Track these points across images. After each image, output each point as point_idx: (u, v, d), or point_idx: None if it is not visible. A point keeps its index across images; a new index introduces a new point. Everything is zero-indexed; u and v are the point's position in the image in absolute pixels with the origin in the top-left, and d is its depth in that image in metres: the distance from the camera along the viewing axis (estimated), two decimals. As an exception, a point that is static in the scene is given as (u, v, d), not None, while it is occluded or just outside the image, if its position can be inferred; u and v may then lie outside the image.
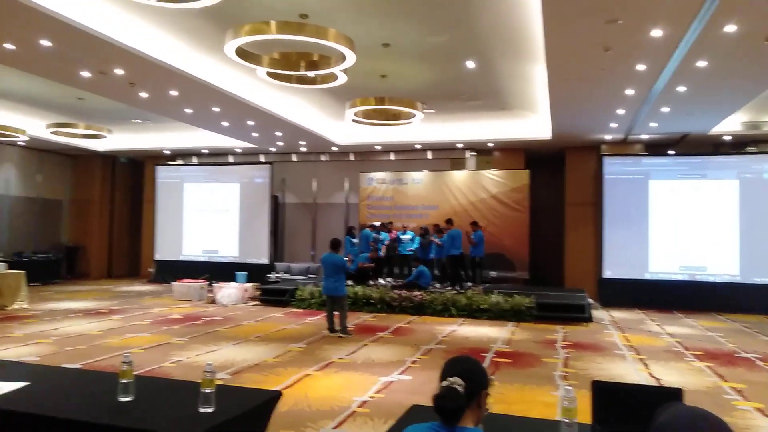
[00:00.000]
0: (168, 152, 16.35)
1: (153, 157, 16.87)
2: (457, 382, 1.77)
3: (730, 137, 12.12)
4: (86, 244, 17.07)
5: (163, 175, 16.07)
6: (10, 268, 10.77)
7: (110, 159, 17.33)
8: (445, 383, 1.80)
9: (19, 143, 14.60)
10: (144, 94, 9.91)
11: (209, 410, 2.51)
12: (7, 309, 10.09)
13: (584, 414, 2.31)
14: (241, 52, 6.93)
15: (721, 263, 11.74)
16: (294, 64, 7.59)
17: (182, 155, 16.68)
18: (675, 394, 2.18)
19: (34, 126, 12.89)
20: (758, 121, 11.50)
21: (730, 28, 6.22)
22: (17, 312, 9.94)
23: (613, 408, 2.28)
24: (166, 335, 7.99)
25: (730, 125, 11.40)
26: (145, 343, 7.44)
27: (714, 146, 12.73)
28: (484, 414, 1.86)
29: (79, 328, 8.39)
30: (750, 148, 12.31)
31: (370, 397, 5.15)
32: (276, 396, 2.93)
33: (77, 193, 17.29)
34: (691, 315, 10.91)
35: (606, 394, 2.31)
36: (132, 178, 18.06)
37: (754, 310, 11.08)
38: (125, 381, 2.67)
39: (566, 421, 2.25)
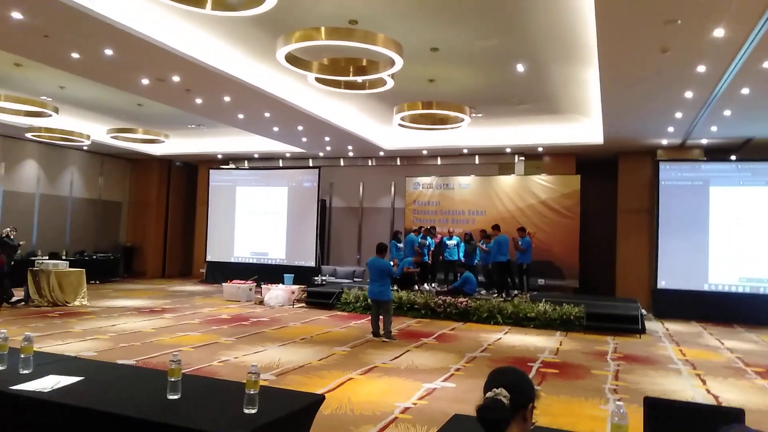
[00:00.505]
0: (221, 156, 16.83)
1: (206, 161, 17.42)
2: (502, 394, 1.73)
3: (799, 142, 11.43)
4: (143, 244, 17.77)
5: (216, 178, 16.54)
6: (71, 267, 11.33)
7: (166, 163, 17.98)
8: (489, 394, 1.75)
9: (83, 147, 15.36)
10: (199, 100, 10.23)
11: (253, 411, 2.54)
12: (68, 305, 10.61)
13: (636, 431, 2.21)
14: (292, 59, 7.05)
15: (788, 276, 11.07)
16: (343, 70, 7.67)
17: (234, 159, 17.14)
18: (737, 415, 2.05)
19: (97, 131, 13.52)
20: (831, 125, 10.78)
21: (800, 27, 5.87)
22: (78, 308, 10.43)
23: (667, 427, 2.16)
24: (215, 335, 8.19)
25: (799, 129, 10.75)
26: (195, 341, 7.66)
27: (781, 152, 12.03)
28: (529, 428, 1.80)
29: (133, 326, 8.72)
30: (821, 154, 11.56)
31: (413, 404, 5.12)
32: (319, 400, 2.94)
33: (135, 196, 18.04)
34: (753, 329, 10.33)
35: (660, 411, 2.20)
36: (186, 182, 18.69)
37: (825, 327, 10.39)
38: (174, 379, 2.74)
39: (616, 438, 2.16)
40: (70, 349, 6.71)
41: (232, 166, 17.17)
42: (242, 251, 15.96)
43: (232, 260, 15.92)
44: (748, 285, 11.34)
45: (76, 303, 10.78)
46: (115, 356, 6.51)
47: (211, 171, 16.69)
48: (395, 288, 11.18)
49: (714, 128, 10.69)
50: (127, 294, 12.93)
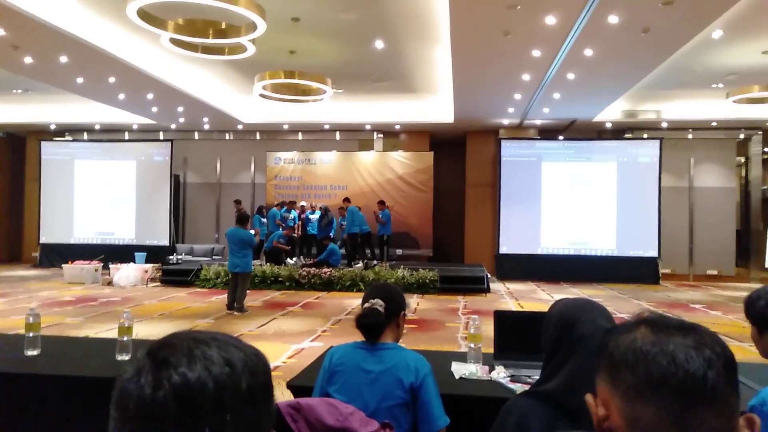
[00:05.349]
0: (54, 127, 15.09)
1: (37, 132, 15.50)
2: (378, 303, 1.94)
3: (611, 124, 13.33)
4: (-43, 226, 15.43)
5: (50, 151, 14.84)
6: None
7: (-15, 133, 15.72)
8: (367, 305, 1.96)
9: None
10: (28, 60, 9.11)
11: (127, 358, 2.49)
12: None
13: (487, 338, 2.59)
14: (144, 15, 6.61)
15: (601, 238, 12.96)
16: (200, 32, 7.34)
17: (71, 131, 15.48)
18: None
19: None
20: (635, 110, 12.75)
21: (613, 19, 6.86)
22: None
23: (512, 332, 2.56)
24: (59, 316, 7.51)
25: (611, 114, 12.54)
26: (36, 323, 6.95)
27: (597, 132, 13.93)
28: (402, 333, 2.04)
29: (-45, 312, 7.66)
30: (627, 135, 13.62)
31: (283, 362, 5.24)
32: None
33: (-55, 171, 15.55)
34: (576, 285, 11.99)
35: (506, 320, 2.59)
36: (12, 155, 16.48)
37: (629, 280, 12.39)
38: (32, 334, 2.57)
39: (472, 345, 2.52)
40: None
41: (68, 138, 15.50)
42: (84, 232, 14.59)
43: (72, 241, 14.50)
44: (572, 248, 13.06)
45: None
46: (-64, 343, 5.70)
47: (42, 143, 14.91)
48: (259, 263, 11.07)
49: (546, 110, 12.05)
50: (-60, 282, 11.22)
